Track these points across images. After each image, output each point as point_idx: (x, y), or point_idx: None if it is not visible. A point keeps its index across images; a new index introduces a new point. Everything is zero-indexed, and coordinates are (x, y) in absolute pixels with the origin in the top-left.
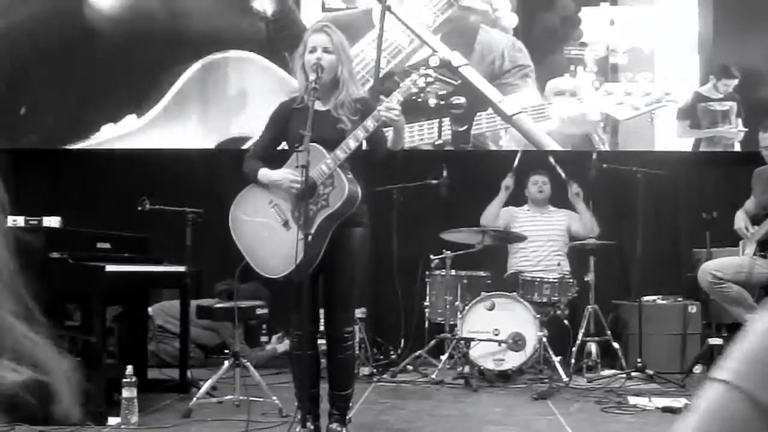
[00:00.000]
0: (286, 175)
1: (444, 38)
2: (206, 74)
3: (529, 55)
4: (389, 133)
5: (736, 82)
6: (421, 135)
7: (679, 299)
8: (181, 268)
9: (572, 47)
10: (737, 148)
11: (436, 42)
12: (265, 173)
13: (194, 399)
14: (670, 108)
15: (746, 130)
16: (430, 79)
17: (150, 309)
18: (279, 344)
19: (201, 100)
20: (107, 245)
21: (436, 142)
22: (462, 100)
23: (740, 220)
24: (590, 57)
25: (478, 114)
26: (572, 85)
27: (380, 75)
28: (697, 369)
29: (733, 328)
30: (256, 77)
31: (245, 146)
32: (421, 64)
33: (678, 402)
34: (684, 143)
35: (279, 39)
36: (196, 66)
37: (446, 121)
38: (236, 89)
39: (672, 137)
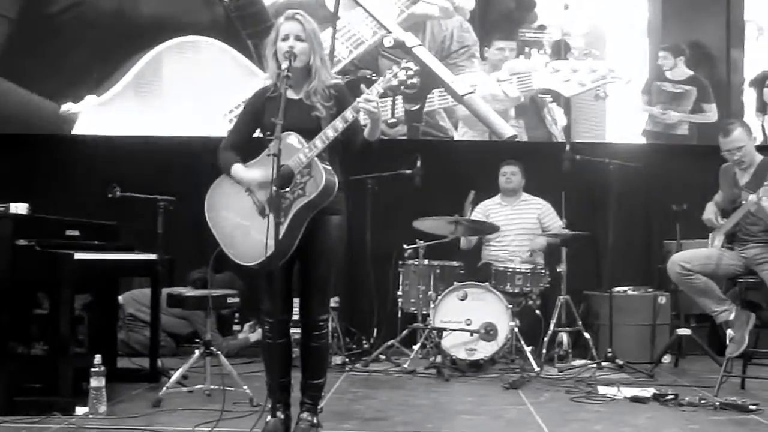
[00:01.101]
0: (254, 178)
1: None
2: (166, 58)
3: (477, 36)
4: (366, 122)
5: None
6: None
7: (650, 290)
8: (152, 256)
9: (528, 30)
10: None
11: (390, 23)
12: (237, 171)
13: (164, 388)
14: (618, 85)
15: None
16: (410, 73)
17: (121, 297)
18: (251, 333)
19: (160, 83)
20: (76, 233)
21: (389, 121)
22: (415, 79)
23: (710, 212)
24: (545, 40)
25: (431, 92)
26: (527, 66)
27: (336, 69)
28: (666, 359)
29: (701, 319)
30: (217, 62)
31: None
32: (375, 45)
33: (646, 392)
34: (638, 118)
35: (239, 23)
36: (157, 49)
37: (399, 99)
38: (196, 74)
39: (622, 114)
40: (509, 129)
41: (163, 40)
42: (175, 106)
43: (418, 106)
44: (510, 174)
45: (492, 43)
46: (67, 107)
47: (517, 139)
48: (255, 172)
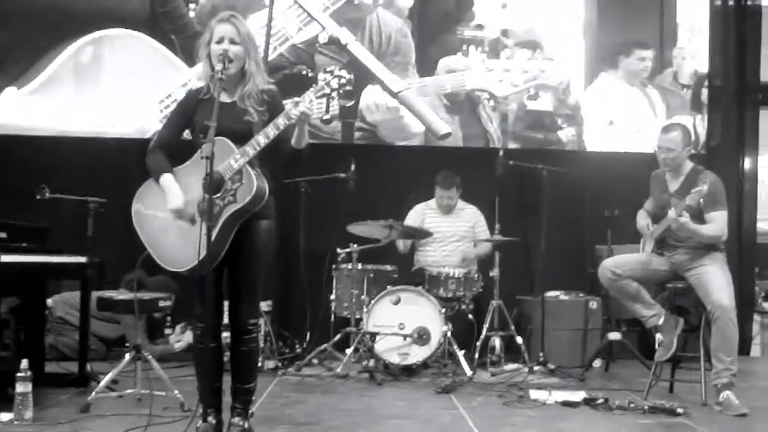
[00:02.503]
0: (176, 203)
1: (335, 14)
2: (89, 51)
3: (415, 43)
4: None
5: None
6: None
7: (581, 295)
8: (82, 259)
9: (465, 28)
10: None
11: (325, 19)
12: (165, 182)
13: (93, 393)
14: (549, 84)
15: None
16: (343, 81)
17: (50, 300)
18: (179, 338)
19: (86, 75)
20: (3, 235)
21: (324, 118)
22: (350, 76)
23: (642, 218)
24: (484, 38)
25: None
26: (463, 64)
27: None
28: (597, 363)
29: (631, 324)
30: (140, 56)
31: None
32: (311, 41)
33: (577, 396)
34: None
35: (162, 16)
36: (78, 43)
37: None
38: (118, 67)
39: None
40: (444, 126)
41: (85, 31)
42: (98, 99)
43: (352, 102)
44: (447, 198)
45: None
46: None
47: (450, 137)
48: (179, 196)
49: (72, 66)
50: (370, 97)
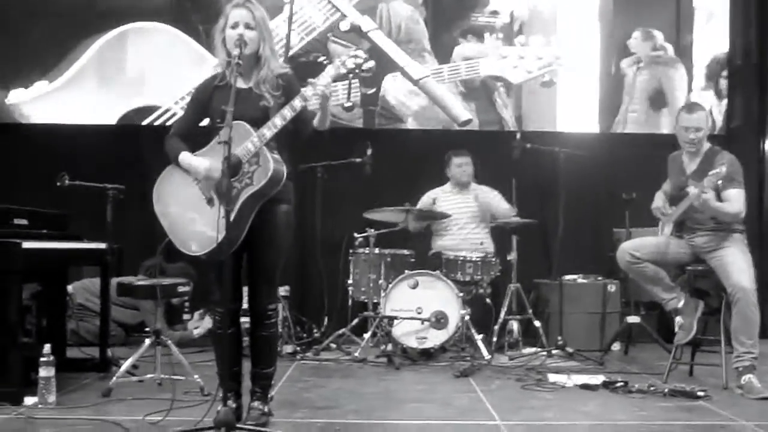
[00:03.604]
0: (204, 165)
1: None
2: (117, 44)
3: (429, 30)
4: (315, 110)
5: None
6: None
7: (599, 278)
8: (102, 245)
9: (480, 14)
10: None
11: (347, 7)
12: (185, 158)
13: (114, 378)
14: (563, 71)
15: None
16: (359, 61)
17: (70, 287)
18: (197, 325)
19: (112, 69)
20: (24, 221)
21: (346, 105)
22: (372, 63)
23: (659, 201)
24: (498, 24)
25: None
26: (478, 51)
27: (290, 53)
28: (616, 347)
29: (650, 307)
30: (168, 47)
31: (169, 122)
32: (325, 30)
33: (596, 379)
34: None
35: (190, 8)
36: (104, 38)
37: (355, 83)
38: (146, 58)
39: (571, 99)
40: (465, 113)
41: (113, 24)
42: (128, 92)
43: (374, 90)
44: (465, 165)
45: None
46: (17, 94)
47: (470, 125)
48: (203, 160)
49: (98, 61)
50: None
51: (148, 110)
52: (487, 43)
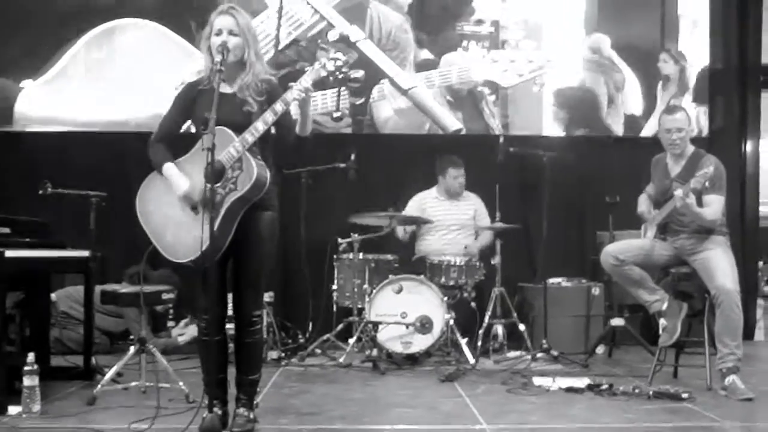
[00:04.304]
0: (183, 188)
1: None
2: (103, 41)
3: (414, 36)
4: (296, 117)
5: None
6: (316, 106)
7: (583, 281)
8: (85, 253)
9: (465, 23)
10: (645, 133)
11: (335, 16)
12: (167, 171)
13: (99, 386)
14: (554, 74)
15: None
16: (339, 63)
17: (53, 295)
18: (182, 332)
19: (91, 68)
20: (6, 230)
21: (335, 115)
22: (360, 73)
23: (643, 203)
24: (483, 33)
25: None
26: (465, 60)
27: (280, 47)
28: (600, 350)
29: (634, 309)
30: (151, 44)
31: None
32: (313, 38)
33: (581, 382)
34: None
35: (182, 6)
36: (90, 34)
37: (344, 92)
38: (130, 56)
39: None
40: (455, 122)
41: (98, 23)
42: (110, 89)
43: (363, 100)
44: (460, 177)
45: None
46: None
47: (461, 133)
48: (184, 181)
49: (83, 57)
50: None
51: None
52: (472, 52)
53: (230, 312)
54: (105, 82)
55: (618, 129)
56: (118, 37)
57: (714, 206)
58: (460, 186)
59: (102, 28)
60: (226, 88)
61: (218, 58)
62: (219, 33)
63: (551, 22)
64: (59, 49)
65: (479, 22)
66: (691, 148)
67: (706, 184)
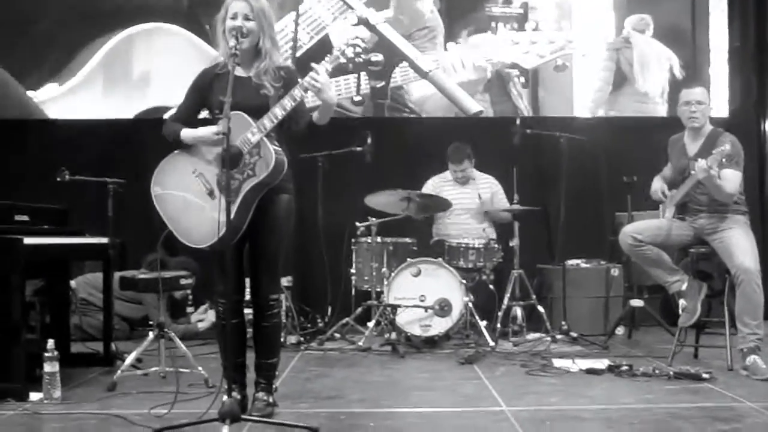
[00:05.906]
0: (208, 129)
1: None
2: (127, 45)
3: (442, 16)
4: (317, 103)
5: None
6: (338, 90)
7: (602, 262)
8: (104, 240)
9: (493, 4)
10: (661, 113)
11: (354, 1)
12: (187, 134)
13: (119, 372)
14: (576, 55)
15: None
16: (358, 50)
17: (73, 282)
18: (201, 318)
19: (121, 70)
20: (25, 217)
21: (355, 98)
22: (380, 57)
23: (656, 186)
24: (512, 14)
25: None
26: (493, 41)
27: (297, 53)
28: (620, 331)
29: (653, 290)
30: (177, 48)
31: (165, 115)
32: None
33: (601, 363)
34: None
35: (200, 9)
36: (118, 37)
37: (364, 75)
38: (156, 60)
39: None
40: (475, 105)
41: (122, 25)
42: (138, 93)
43: (383, 83)
44: (460, 171)
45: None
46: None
47: (482, 114)
48: (209, 127)
49: (105, 64)
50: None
51: (164, 109)
52: (500, 34)
53: (248, 296)
54: (127, 87)
55: (636, 109)
56: (138, 41)
57: (730, 180)
58: (464, 179)
59: (124, 34)
60: (241, 72)
61: (232, 42)
62: (234, 17)
63: (579, 3)
64: (78, 52)
65: (507, 3)
66: (709, 127)
67: (723, 160)
